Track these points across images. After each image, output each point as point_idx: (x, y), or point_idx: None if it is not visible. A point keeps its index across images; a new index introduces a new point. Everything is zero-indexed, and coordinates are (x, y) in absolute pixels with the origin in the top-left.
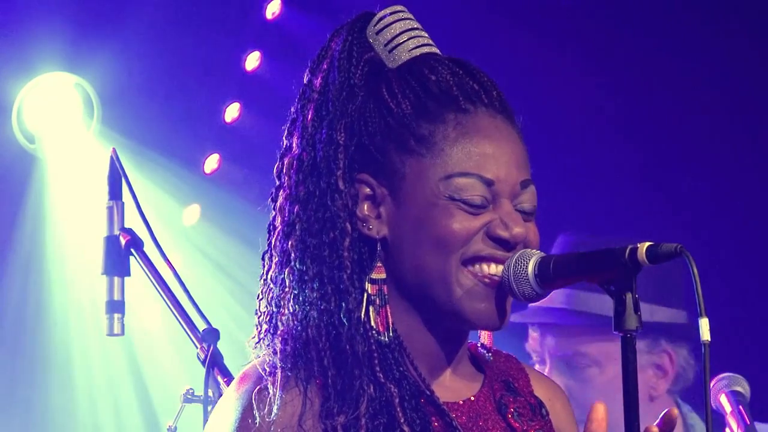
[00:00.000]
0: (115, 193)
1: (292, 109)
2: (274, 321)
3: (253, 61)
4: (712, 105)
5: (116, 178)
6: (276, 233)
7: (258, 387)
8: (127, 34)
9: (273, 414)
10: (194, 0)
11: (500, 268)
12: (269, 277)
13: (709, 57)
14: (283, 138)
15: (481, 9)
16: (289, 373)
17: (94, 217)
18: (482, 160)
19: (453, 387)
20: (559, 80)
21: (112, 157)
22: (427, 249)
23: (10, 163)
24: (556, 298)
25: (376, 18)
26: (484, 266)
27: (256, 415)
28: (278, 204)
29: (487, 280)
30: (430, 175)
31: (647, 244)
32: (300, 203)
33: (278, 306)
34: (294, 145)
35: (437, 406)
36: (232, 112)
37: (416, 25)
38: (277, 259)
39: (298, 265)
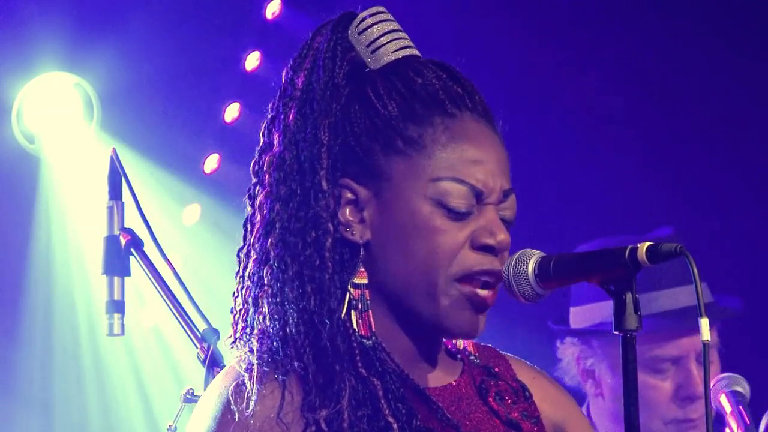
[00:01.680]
0: (115, 193)
1: (271, 106)
2: (250, 319)
3: (253, 61)
4: (714, 105)
5: (116, 178)
6: (255, 231)
7: (235, 382)
8: (127, 34)
9: (251, 408)
10: (194, 0)
11: (490, 293)
12: (246, 274)
13: (709, 56)
14: (262, 134)
15: (482, 9)
16: (267, 368)
17: (94, 217)
18: (471, 167)
19: (432, 376)
20: (559, 80)
21: (112, 157)
22: (413, 262)
23: (10, 163)
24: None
25: (358, 19)
26: (478, 291)
27: (234, 409)
28: (258, 201)
29: (470, 292)
30: (418, 176)
31: (647, 244)
32: (281, 202)
33: (255, 304)
34: (275, 142)
35: (420, 392)
36: (232, 112)
37: (397, 26)
38: (255, 256)
39: (277, 264)
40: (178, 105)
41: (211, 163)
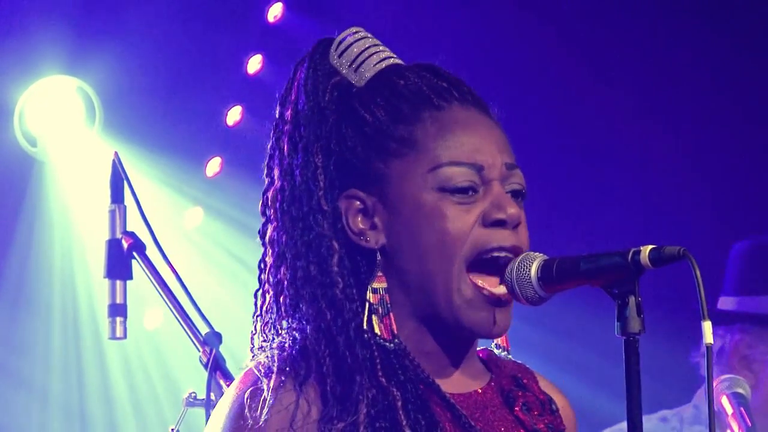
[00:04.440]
0: (117, 197)
1: (269, 146)
2: (271, 341)
3: (255, 64)
4: (715, 106)
5: (118, 181)
6: (267, 267)
7: (252, 388)
8: (129, 37)
9: (265, 415)
10: (196, 3)
11: (502, 288)
12: (264, 308)
13: (710, 58)
14: (264, 176)
15: (485, 11)
16: (284, 377)
17: (96, 221)
18: (467, 149)
19: (458, 381)
20: (561, 81)
21: (114, 161)
22: (427, 253)
23: (12, 166)
24: None
25: (336, 42)
26: (484, 281)
27: (248, 415)
28: (267, 238)
29: (486, 292)
30: (416, 171)
31: (650, 247)
32: (287, 232)
33: (275, 330)
34: (275, 178)
35: (444, 399)
36: (234, 115)
37: (376, 41)
38: (271, 291)
39: (290, 290)
40: (180, 108)
41: (214, 166)
